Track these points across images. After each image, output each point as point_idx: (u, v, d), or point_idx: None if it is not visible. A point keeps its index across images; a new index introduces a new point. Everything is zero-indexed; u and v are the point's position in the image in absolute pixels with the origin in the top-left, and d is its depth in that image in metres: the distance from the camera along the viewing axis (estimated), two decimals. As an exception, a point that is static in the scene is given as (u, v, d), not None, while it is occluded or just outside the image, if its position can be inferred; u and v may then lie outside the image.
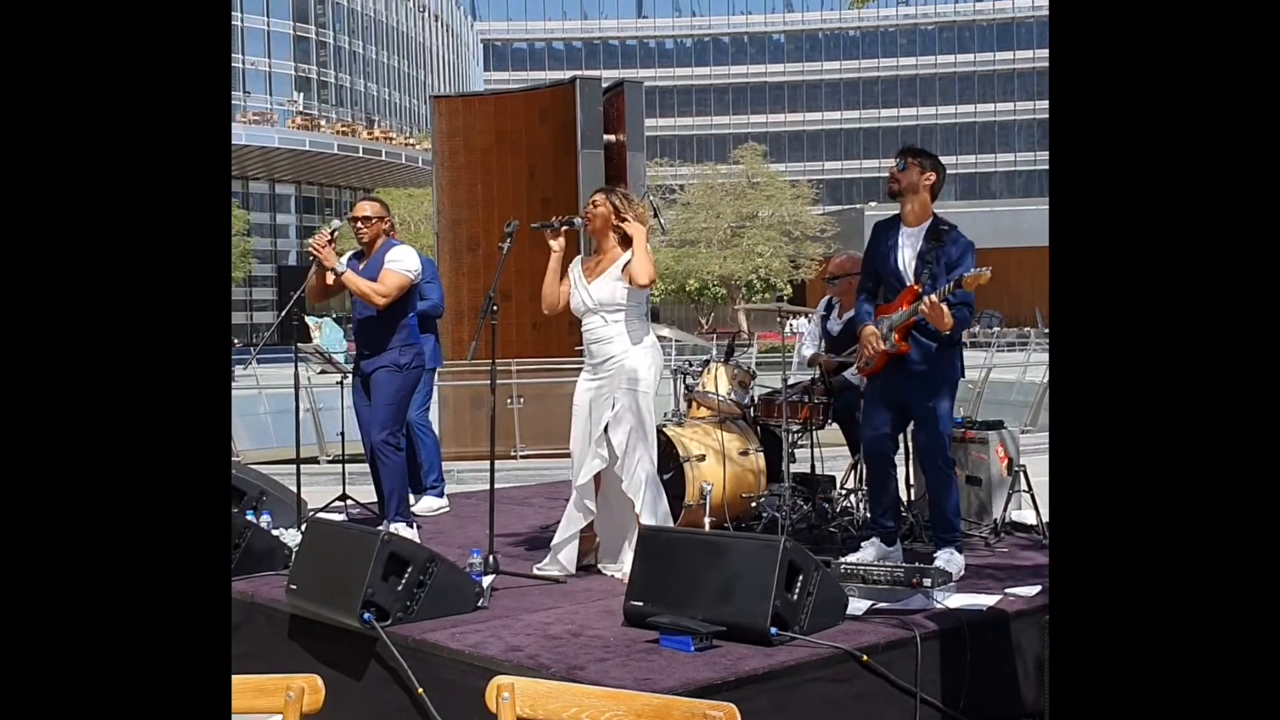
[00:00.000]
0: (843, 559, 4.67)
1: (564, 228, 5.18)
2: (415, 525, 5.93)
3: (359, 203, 5.99)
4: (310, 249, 5.79)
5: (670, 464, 5.66)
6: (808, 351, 6.75)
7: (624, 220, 5.02)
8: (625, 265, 4.98)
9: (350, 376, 6.66)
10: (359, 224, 5.84)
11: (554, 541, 5.10)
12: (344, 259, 5.88)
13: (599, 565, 5.17)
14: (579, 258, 5.24)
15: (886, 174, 5.26)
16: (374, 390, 5.81)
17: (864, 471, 5.37)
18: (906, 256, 5.07)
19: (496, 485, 5.24)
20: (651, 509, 4.92)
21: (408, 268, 5.75)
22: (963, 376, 5.27)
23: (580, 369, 5.24)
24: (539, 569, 5.07)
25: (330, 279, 5.72)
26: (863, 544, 5.21)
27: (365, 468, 6.07)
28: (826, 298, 6.79)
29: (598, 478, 5.06)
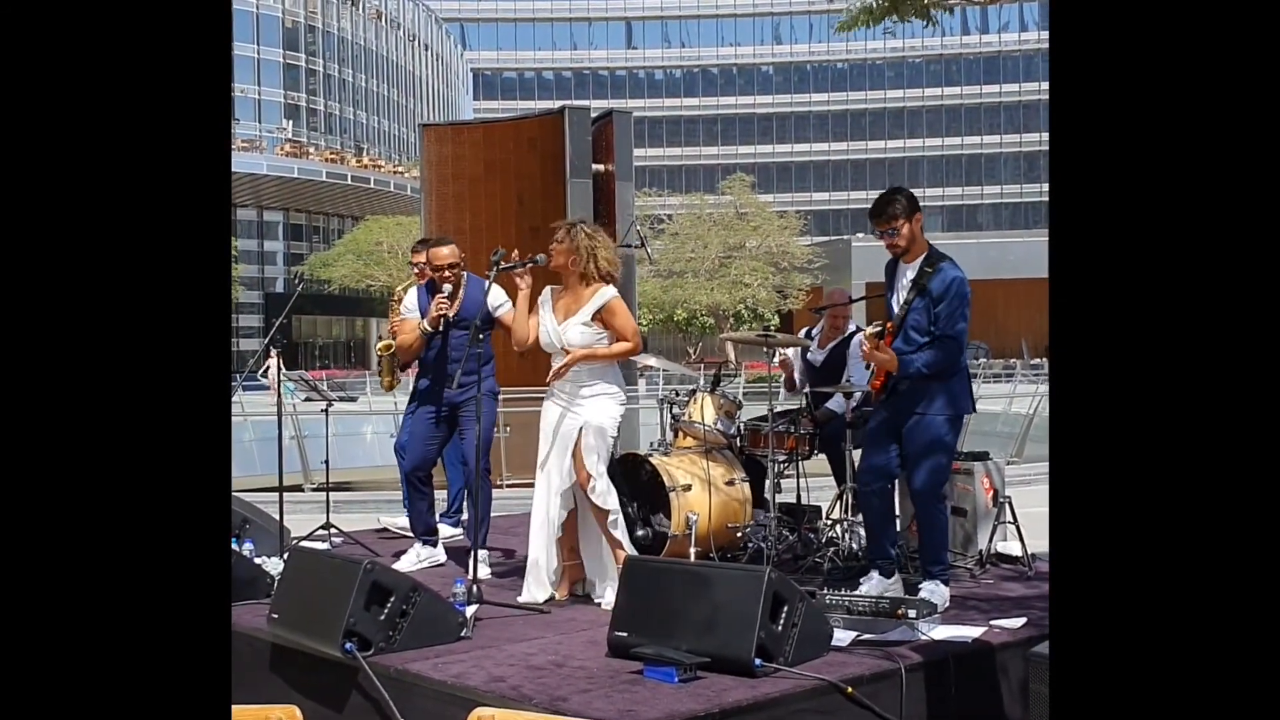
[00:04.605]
0: (845, 593, 4.63)
1: (529, 265, 5.12)
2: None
3: (435, 249, 5.93)
4: (440, 311, 5.76)
5: (656, 493, 5.64)
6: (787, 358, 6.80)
7: (589, 270, 4.98)
8: (598, 312, 4.97)
9: (331, 402, 6.62)
10: (446, 271, 5.81)
11: (529, 565, 5.13)
12: (411, 294, 5.96)
13: (590, 594, 5.15)
14: (548, 289, 5.20)
15: (876, 234, 5.14)
16: (474, 420, 5.72)
17: (862, 505, 5.33)
18: (899, 292, 5.09)
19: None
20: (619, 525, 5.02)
21: (510, 306, 5.72)
22: (972, 411, 5.25)
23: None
24: (521, 598, 5.06)
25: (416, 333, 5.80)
26: (862, 579, 5.17)
27: (348, 496, 6.07)
28: (807, 327, 6.83)
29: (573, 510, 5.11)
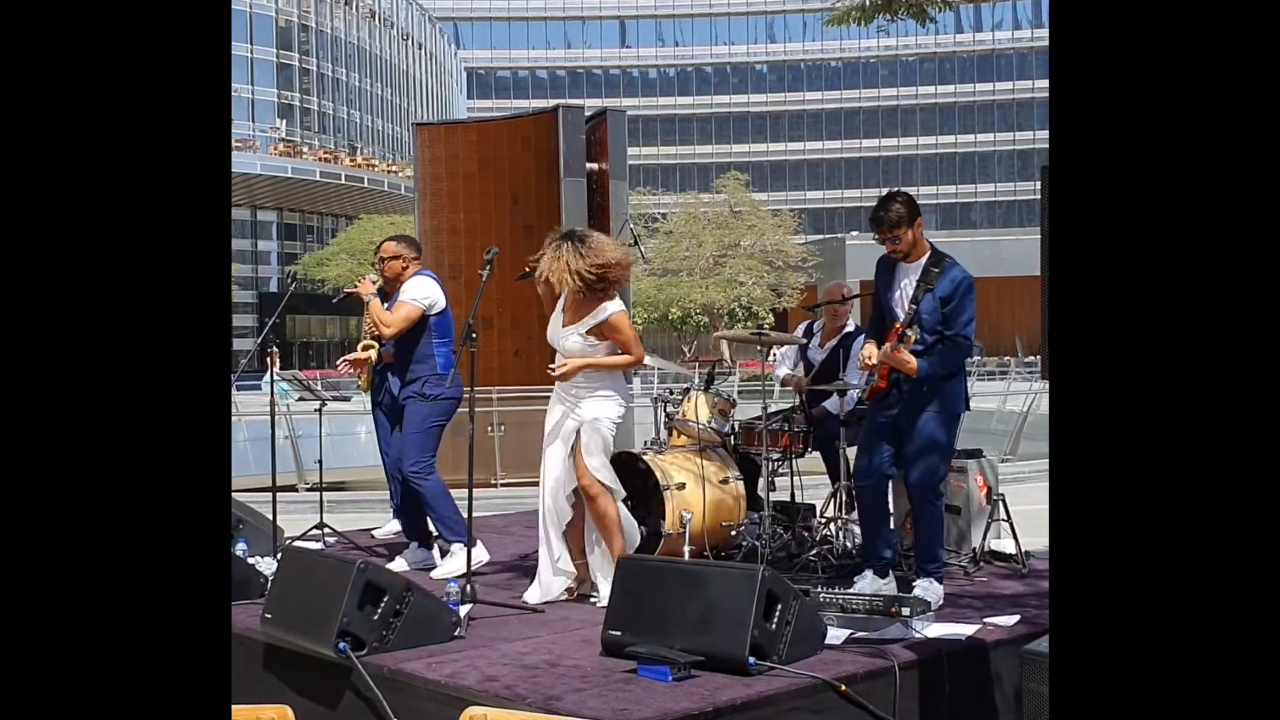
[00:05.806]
0: (839, 591, 4.62)
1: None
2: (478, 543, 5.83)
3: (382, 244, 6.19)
4: (353, 287, 6.02)
5: (650, 491, 5.64)
6: (780, 372, 6.78)
7: (595, 283, 4.93)
8: (597, 326, 4.97)
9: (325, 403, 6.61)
10: (380, 264, 6.03)
11: (541, 567, 5.10)
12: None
13: (590, 596, 5.12)
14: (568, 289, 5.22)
15: (878, 240, 5.08)
16: (404, 420, 5.85)
17: (858, 504, 5.33)
18: (903, 293, 5.07)
19: (476, 514, 5.21)
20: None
21: (415, 297, 5.82)
22: (967, 409, 5.24)
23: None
24: (526, 597, 5.03)
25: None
26: (856, 578, 5.17)
27: (342, 496, 6.08)
28: (806, 323, 6.81)
29: (579, 508, 5.08)
